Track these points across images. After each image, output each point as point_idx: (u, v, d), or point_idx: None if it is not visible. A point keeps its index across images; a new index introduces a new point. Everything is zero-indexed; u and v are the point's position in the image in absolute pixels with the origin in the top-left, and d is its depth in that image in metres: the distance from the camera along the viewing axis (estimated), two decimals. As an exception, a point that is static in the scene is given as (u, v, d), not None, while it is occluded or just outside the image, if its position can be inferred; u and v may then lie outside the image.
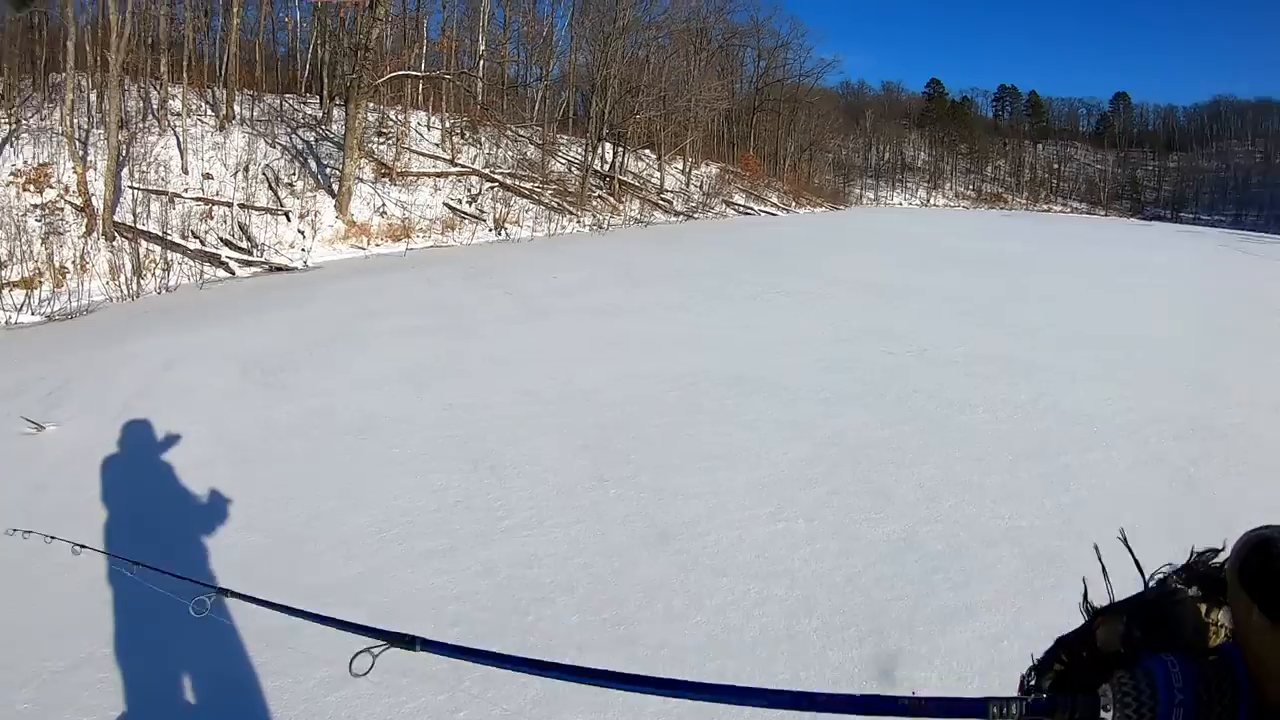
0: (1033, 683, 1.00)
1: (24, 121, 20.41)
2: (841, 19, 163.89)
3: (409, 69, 26.92)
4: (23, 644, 4.27)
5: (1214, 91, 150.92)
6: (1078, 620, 0.97)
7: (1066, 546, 5.57)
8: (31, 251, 15.70)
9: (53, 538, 4.05)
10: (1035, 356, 11.49)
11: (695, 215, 37.26)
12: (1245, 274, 28.88)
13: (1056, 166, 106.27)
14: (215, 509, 5.68)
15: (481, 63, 33.50)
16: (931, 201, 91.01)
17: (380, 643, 1.59)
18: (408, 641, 1.57)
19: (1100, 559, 1.08)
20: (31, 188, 18.22)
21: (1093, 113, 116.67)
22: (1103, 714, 0.74)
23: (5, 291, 14.37)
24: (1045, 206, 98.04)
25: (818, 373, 10.01)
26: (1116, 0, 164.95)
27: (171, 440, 6.99)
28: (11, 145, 19.29)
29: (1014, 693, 0.91)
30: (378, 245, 21.66)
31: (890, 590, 4.89)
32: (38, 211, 17.49)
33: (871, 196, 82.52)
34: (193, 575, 4.18)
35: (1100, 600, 0.96)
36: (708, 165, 45.29)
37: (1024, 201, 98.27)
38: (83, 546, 3.62)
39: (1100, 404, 9.31)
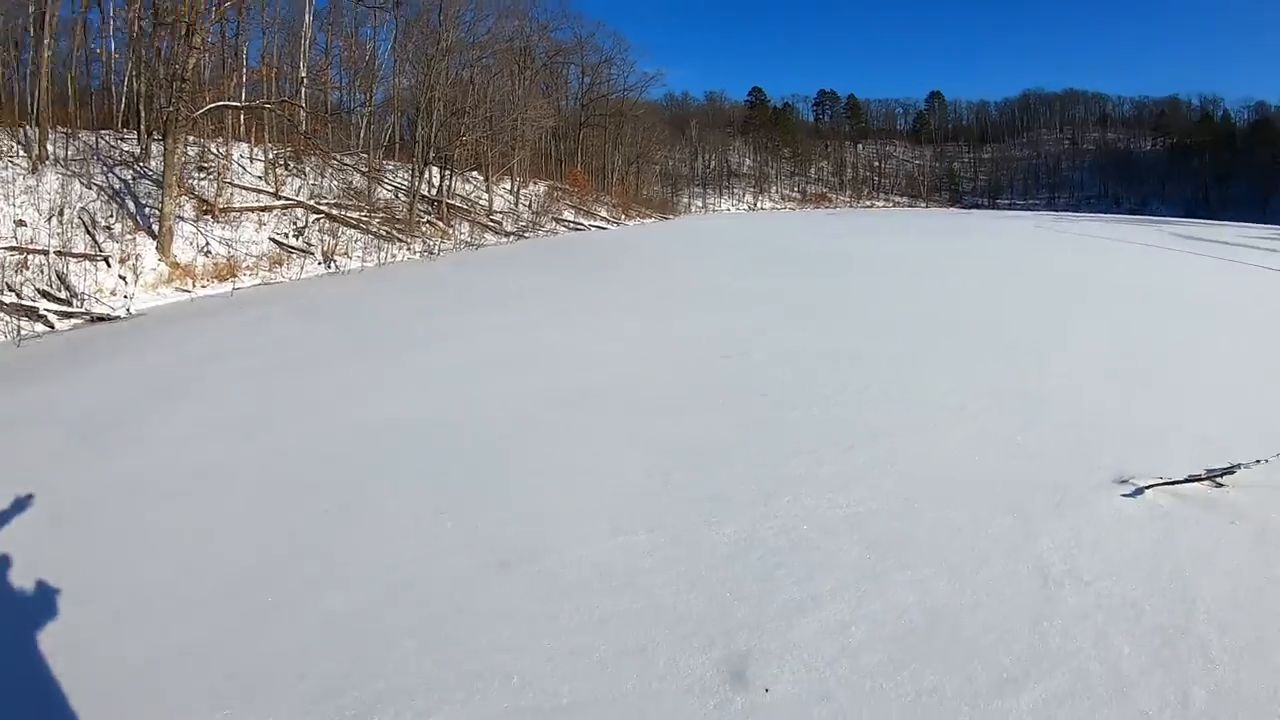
0: None
1: None
2: (664, 32, 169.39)
3: (228, 99, 26.26)
4: None
5: (1024, 85, 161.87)
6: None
7: (906, 527, 5.87)
8: None
9: None
10: (862, 346, 12.14)
11: (526, 234, 37.93)
12: (1057, 251, 31.53)
13: (877, 164, 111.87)
14: (33, 589, 5.29)
15: (303, 90, 33.09)
16: (758, 205, 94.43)
17: None
18: None
19: None
20: None
21: (909, 112, 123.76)
22: None
23: None
24: (868, 203, 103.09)
25: (652, 382, 10.27)
26: (928, 3, 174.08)
27: None
28: None
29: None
30: (204, 286, 21.04)
31: (735, 591, 4.98)
32: None
33: (700, 204, 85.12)
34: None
35: None
36: (536, 184, 45.98)
37: (848, 199, 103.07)
38: None
39: (928, 384, 9.91)
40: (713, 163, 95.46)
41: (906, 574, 5.18)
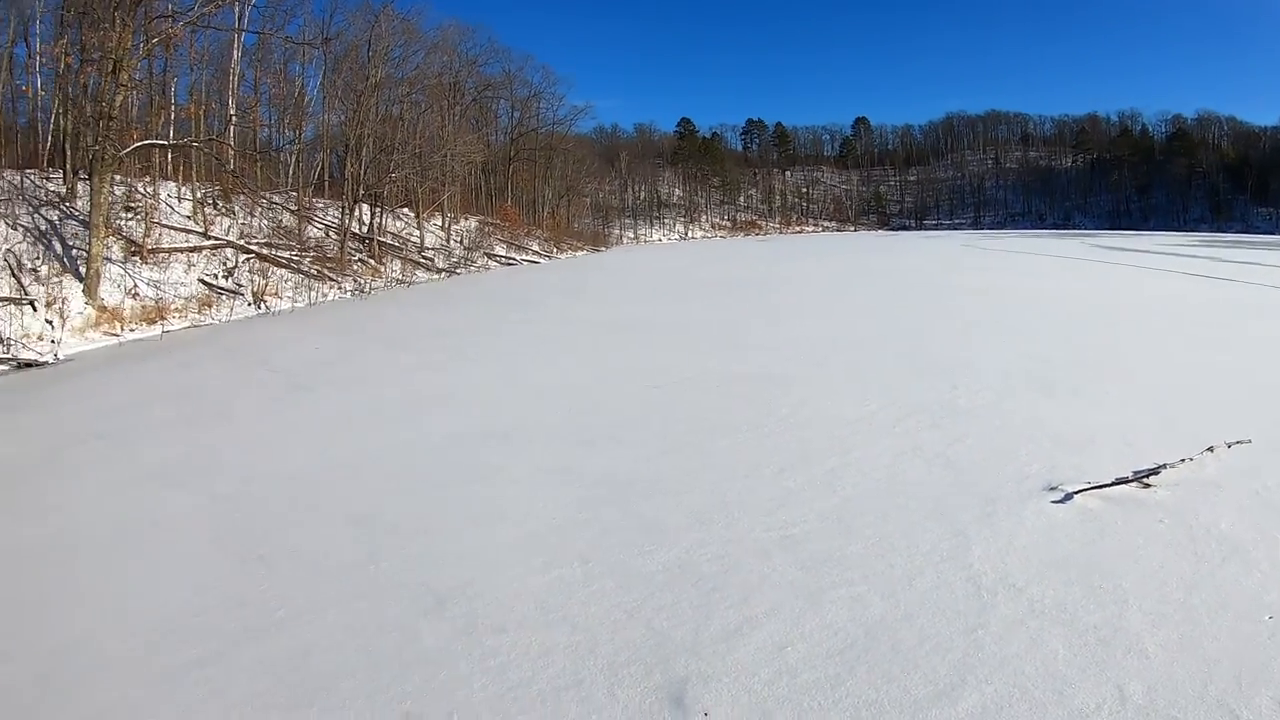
0: None
1: None
2: (593, 65, 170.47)
3: (156, 138, 26.18)
4: None
5: (947, 108, 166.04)
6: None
7: (840, 545, 5.94)
8: None
9: None
10: (792, 370, 12.37)
11: (458, 270, 38.08)
12: (980, 267, 32.50)
13: (805, 190, 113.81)
14: None
15: (232, 128, 32.62)
16: (689, 234, 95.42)
17: None
18: None
19: None
20: None
21: (836, 138, 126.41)
22: None
23: None
24: (798, 228, 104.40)
25: (581, 415, 10.43)
26: (850, 32, 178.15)
27: None
28: None
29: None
30: (132, 330, 20.64)
31: (671, 618, 5.00)
32: None
33: (631, 235, 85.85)
34: None
35: None
36: (467, 219, 46.25)
37: (777, 226, 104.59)
38: None
39: (857, 405, 10.13)
40: (643, 194, 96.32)
41: (842, 591, 5.27)
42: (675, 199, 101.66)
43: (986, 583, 5.29)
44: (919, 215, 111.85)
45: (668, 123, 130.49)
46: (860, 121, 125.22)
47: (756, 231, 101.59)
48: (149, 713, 4.40)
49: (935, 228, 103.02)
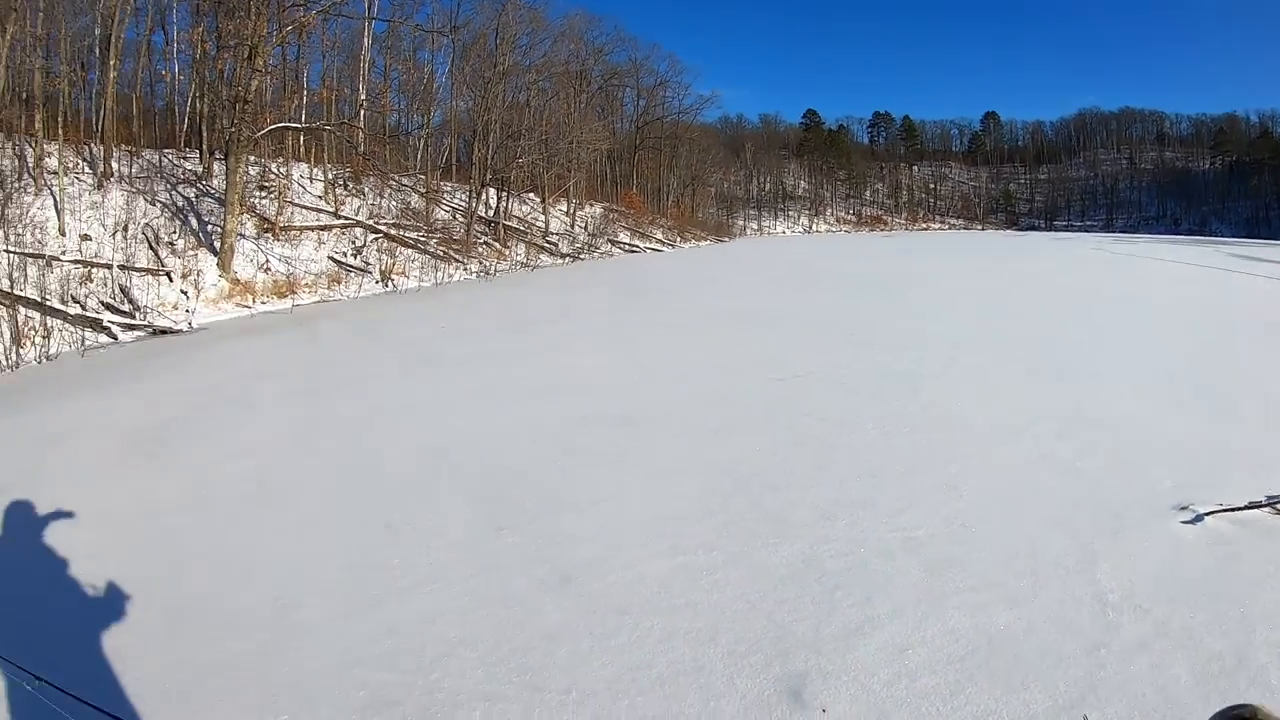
0: None
1: None
2: (719, 55, 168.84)
3: (289, 120, 26.63)
4: None
5: (1079, 104, 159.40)
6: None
7: (965, 551, 5.74)
8: None
9: None
10: (919, 369, 11.85)
11: (581, 256, 37.95)
12: (1116, 273, 30.94)
13: (933, 186, 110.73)
14: (100, 590, 5.39)
15: (362, 112, 33.18)
16: (814, 228, 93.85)
17: None
18: None
19: None
20: None
21: (964, 132, 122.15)
22: None
23: None
24: (924, 225, 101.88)
25: (707, 404, 10.11)
26: (982, 23, 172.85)
27: (53, 520, 6.67)
28: None
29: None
30: (263, 303, 21.32)
31: (793, 612, 4.90)
32: None
33: (755, 227, 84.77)
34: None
35: None
36: (592, 205, 46.07)
37: (903, 222, 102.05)
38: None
39: (985, 408, 9.67)
40: (768, 185, 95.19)
41: (965, 597, 5.09)
42: (800, 191, 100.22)
43: (1112, 600, 5.06)
44: (1049, 215, 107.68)
45: (793, 114, 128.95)
46: (990, 116, 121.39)
47: (882, 227, 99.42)
48: (277, 664, 4.47)
49: (1065, 229, 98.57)
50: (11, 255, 18.30)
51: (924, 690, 4.12)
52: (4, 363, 14.54)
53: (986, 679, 4.21)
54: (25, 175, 22.23)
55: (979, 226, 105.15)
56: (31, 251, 18.95)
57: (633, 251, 43.01)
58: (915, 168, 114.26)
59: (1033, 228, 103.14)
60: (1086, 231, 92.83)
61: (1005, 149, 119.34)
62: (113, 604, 5.22)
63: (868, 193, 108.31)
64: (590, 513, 6.59)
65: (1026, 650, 4.47)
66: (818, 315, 17.97)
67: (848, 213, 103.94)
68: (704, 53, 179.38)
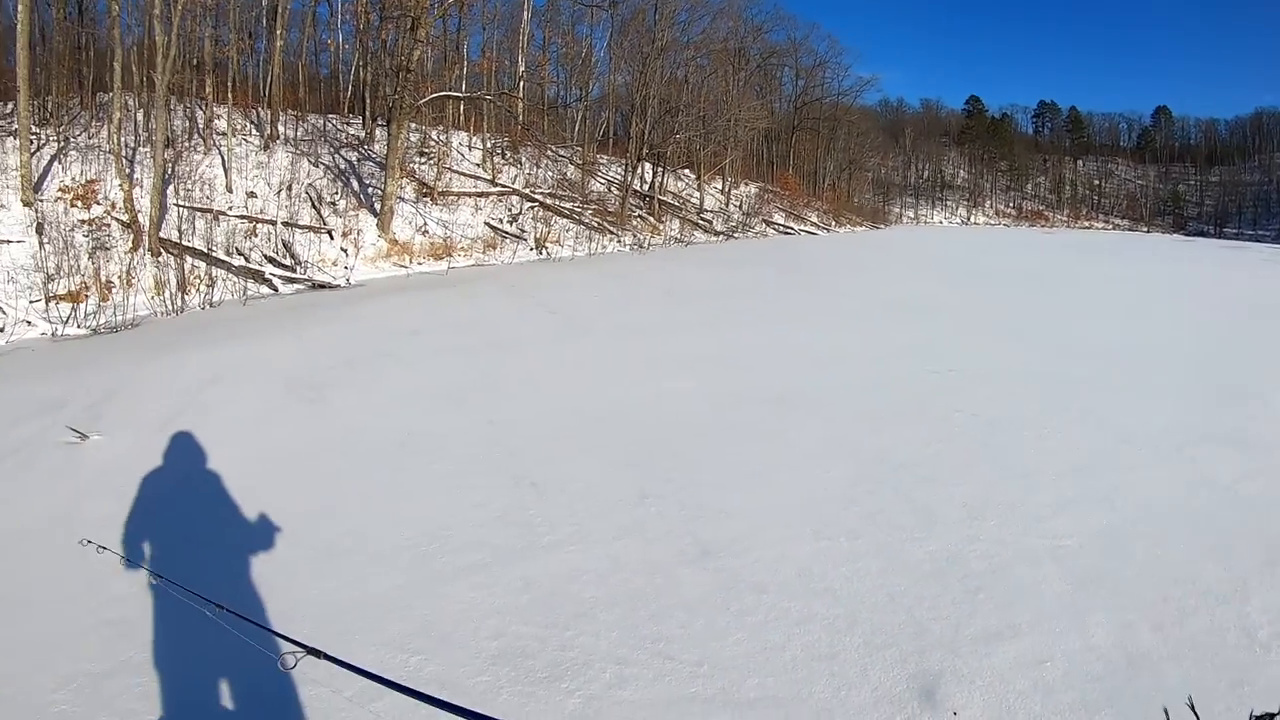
0: None
1: (71, 139, 20.71)
2: (880, 37, 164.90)
3: (450, 90, 26.96)
4: (63, 647, 4.30)
5: (1256, 103, 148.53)
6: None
7: (1113, 566, 5.43)
8: (78, 265, 15.85)
9: (127, 560, 4.85)
10: (1078, 373, 11.15)
11: (735, 235, 37.23)
12: None
13: (1097, 183, 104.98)
14: (255, 522, 5.71)
15: (521, 83, 33.66)
16: (972, 219, 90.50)
17: None
18: None
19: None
20: (79, 204, 18.41)
21: (1133, 127, 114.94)
22: None
23: (52, 304, 14.57)
24: (1086, 223, 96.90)
25: (859, 391, 9.77)
26: (1156, 13, 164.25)
27: (213, 453, 7.02)
28: (59, 162, 19.59)
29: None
30: (420, 264, 21.78)
31: (933, 610, 4.77)
32: (85, 227, 17.65)
33: (911, 215, 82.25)
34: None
35: None
36: (747, 185, 45.34)
37: (1064, 218, 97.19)
38: (160, 576, 4.08)
39: (1145, 421, 8.98)
40: (926, 173, 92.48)
41: (1110, 615, 4.81)
42: (959, 181, 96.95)
43: (1261, 637, 4.68)
44: (1219, 221, 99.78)
45: (955, 99, 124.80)
46: (1161, 111, 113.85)
47: (1042, 223, 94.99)
48: (415, 606, 4.63)
49: (1235, 237, 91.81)
50: (181, 209, 19.09)
51: (1060, 706, 3.95)
52: (170, 307, 15.16)
53: (1127, 702, 4.00)
54: (195, 136, 23.45)
55: (1144, 228, 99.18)
56: (200, 206, 19.66)
57: (786, 233, 42.03)
58: (1080, 162, 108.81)
59: (1201, 233, 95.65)
60: (1258, 240, 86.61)
61: (1175, 147, 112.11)
62: (268, 537, 5.46)
63: (1029, 186, 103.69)
64: (736, 489, 6.51)
65: (1169, 677, 4.23)
66: (976, 309, 16.97)
67: (1007, 205, 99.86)
68: (864, 34, 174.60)
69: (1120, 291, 23.59)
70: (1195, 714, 0.99)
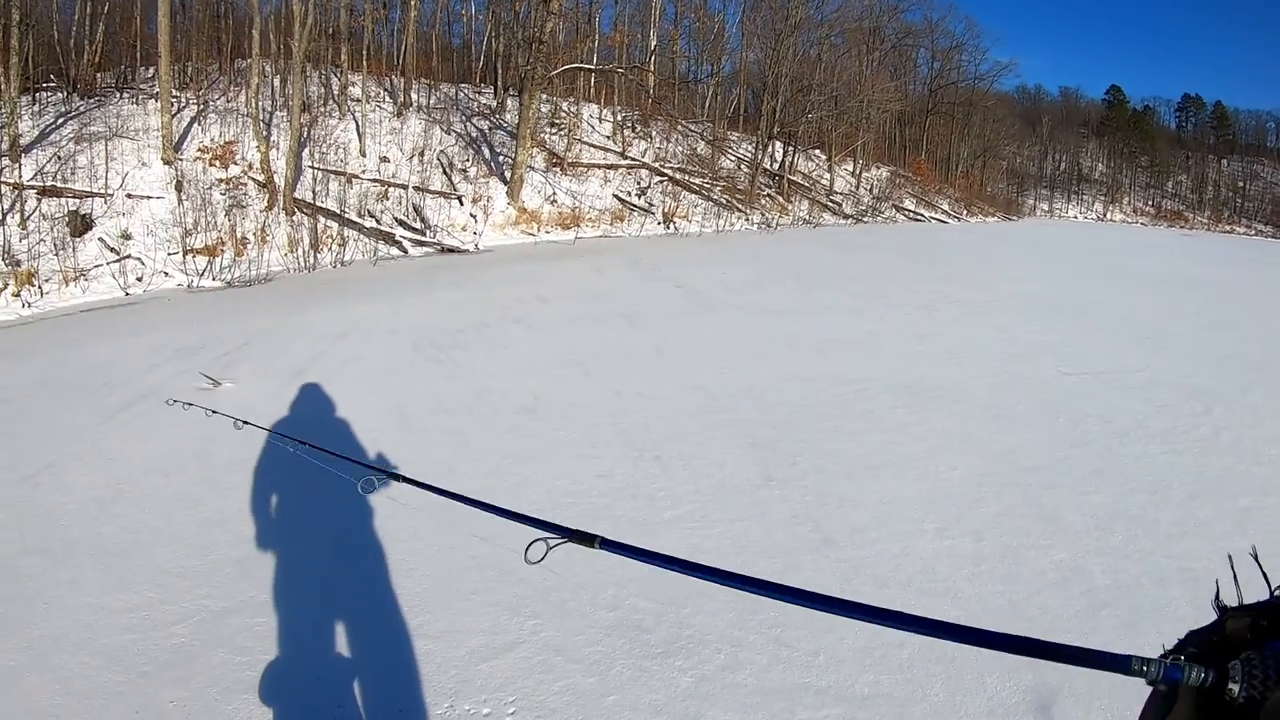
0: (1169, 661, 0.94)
1: (210, 103, 21.55)
2: (1018, 20, 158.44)
3: (581, 62, 27.06)
4: (188, 581, 4.55)
5: None
6: None
7: (1244, 596, 4.75)
8: (215, 222, 16.43)
9: (213, 411, 5.13)
10: (1218, 387, 10.32)
11: (864, 219, 36.29)
12: None
13: (1241, 184, 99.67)
14: (377, 472, 5.73)
15: (653, 58, 33.26)
16: (1108, 216, 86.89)
17: (558, 537, 1.63)
18: (589, 539, 1.63)
19: (1233, 567, 1.04)
20: (217, 163, 19.00)
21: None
22: (1230, 684, 0.76)
23: (189, 257, 15.00)
24: (1227, 227, 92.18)
25: (989, 388, 9.43)
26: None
27: (340, 404, 7.34)
28: (199, 124, 20.33)
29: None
30: (547, 232, 21.83)
31: (1054, 621, 4.56)
32: (222, 185, 18.22)
33: (1045, 208, 78.96)
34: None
35: (1231, 602, 0.95)
36: (878, 168, 44.18)
37: (1205, 221, 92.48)
38: (245, 422, 4.42)
39: None
40: (1063, 164, 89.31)
41: None
42: (1097, 174, 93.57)
43: None
44: None
45: (1095, 89, 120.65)
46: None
47: (1181, 224, 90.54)
48: (537, 571, 3.92)
49: None
50: (315, 171, 19.45)
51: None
52: (302, 264, 15.46)
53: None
54: (330, 102, 24.03)
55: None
56: (334, 169, 19.97)
57: (917, 220, 40.83)
58: (1224, 161, 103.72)
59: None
60: None
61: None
62: (399, 491, 5.26)
63: (1170, 184, 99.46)
64: (861, 479, 6.39)
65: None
66: (1114, 312, 15.95)
67: (1146, 203, 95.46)
68: (1003, 16, 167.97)
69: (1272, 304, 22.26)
70: (1259, 564, 0.99)
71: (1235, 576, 1.01)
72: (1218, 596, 0.98)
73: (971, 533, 5.53)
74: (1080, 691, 3.87)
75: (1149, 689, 0.96)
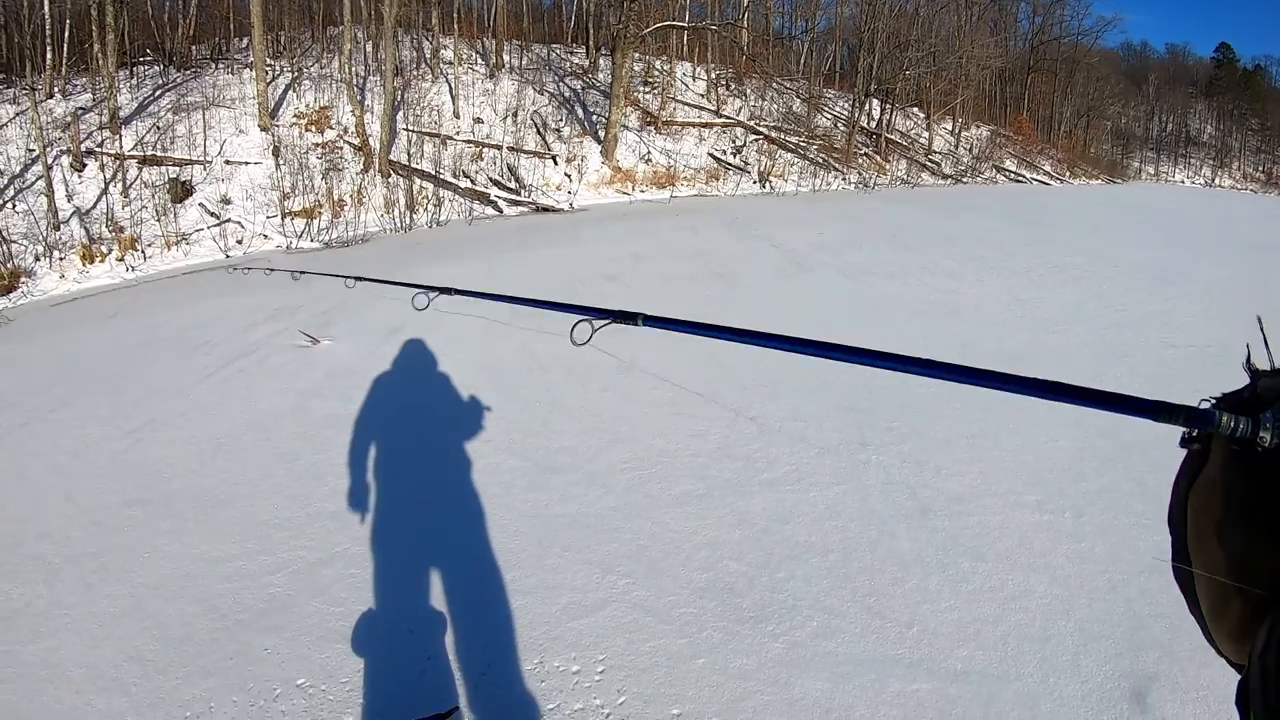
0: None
1: (304, 70, 21.98)
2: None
3: (674, 20, 26.66)
4: (291, 532, 4.72)
5: None
6: None
7: (1275, 360, 4.38)
8: (312, 185, 16.72)
9: (271, 269, 6.46)
10: None
11: (964, 179, 35.33)
12: None
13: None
14: (475, 428, 6.04)
15: (746, 14, 32.76)
16: (1217, 181, 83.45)
17: (605, 319, 1.74)
18: (631, 317, 1.68)
19: (1263, 330, 0.95)
20: (312, 129, 19.31)
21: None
22: (1262, 432, 0.75)
23: (287, 220, 15.23)
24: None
25: (1093, 357, 9.11)
26: None
27: (438, 362, 7.44)
28: (294, 90, 20.75)
29: None
30: (642, 191, 21.60)
31: (1154, 606, 4.31)
32: (318, 150, 18.52)
33: (1151, 171, 76.17)
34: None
35: (1263, 365, 0.92)
36: (978, 127, 42.93)
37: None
38: (301, 273, 5.14)
39: None
40: (1169, 126, 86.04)
41: None
42: (1205, 137, 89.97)
43: None
44: None
45: (1204, 46, 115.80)
46: None
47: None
48: (626, 529, 4.77)
49: None
50: (410, 133, 19.65)
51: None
52: (398, 225, 15.63)
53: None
54: (423, 65, 24.33)
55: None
56: (428, 131, 20.12)
57: (1018, 181, 39.61)
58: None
59: None
60: None
61: None
62: (485, 443, 5.84)
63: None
64: (960, 447, 6.24)
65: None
66: (1226, 284, 15.27)
67: (1256, 169, 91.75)
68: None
69: None
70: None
71: (1265, 340, 0.98)
72: (1249, 360, 0.94)
73: (1072, 508, 5.36)
74: (1178, 680, 3.78)
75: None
